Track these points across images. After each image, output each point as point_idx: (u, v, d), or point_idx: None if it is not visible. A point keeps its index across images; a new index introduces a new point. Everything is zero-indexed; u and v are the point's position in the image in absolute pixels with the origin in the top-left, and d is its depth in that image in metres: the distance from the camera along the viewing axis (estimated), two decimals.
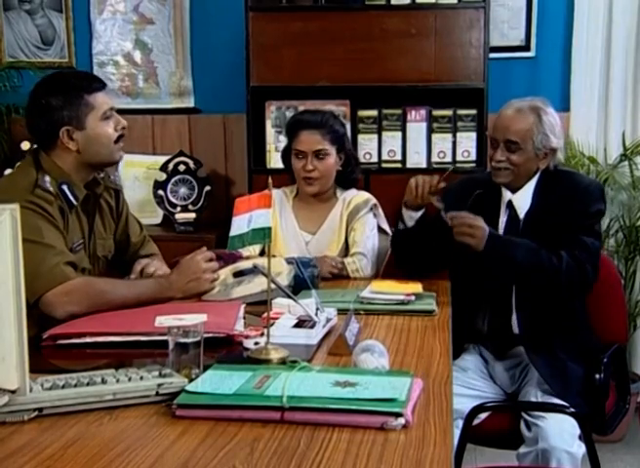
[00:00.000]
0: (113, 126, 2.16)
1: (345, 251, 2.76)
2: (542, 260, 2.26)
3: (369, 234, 2.75)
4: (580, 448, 2.13)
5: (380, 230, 2.81)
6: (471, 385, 2.39)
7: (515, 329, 2.39)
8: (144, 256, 2.43)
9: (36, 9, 4.00)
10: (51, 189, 2.09)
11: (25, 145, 3.73)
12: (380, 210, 2.83)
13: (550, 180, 2.38)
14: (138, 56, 4.00)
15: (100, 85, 2.16)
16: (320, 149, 2.72)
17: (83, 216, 2.22)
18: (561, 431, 2.11)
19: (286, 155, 2.84)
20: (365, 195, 2.84)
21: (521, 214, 2.42)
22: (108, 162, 2.22)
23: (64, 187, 2.12)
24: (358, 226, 2.75)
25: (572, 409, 2.13)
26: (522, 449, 2.18)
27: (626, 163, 3.58)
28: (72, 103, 2.10)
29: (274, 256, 2.43)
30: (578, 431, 2.14)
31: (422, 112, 3.46)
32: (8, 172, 3.68)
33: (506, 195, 2.44)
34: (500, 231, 2.43)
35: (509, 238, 2.35)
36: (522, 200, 2.41)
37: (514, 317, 2.39)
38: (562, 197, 2.33)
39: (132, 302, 2.05)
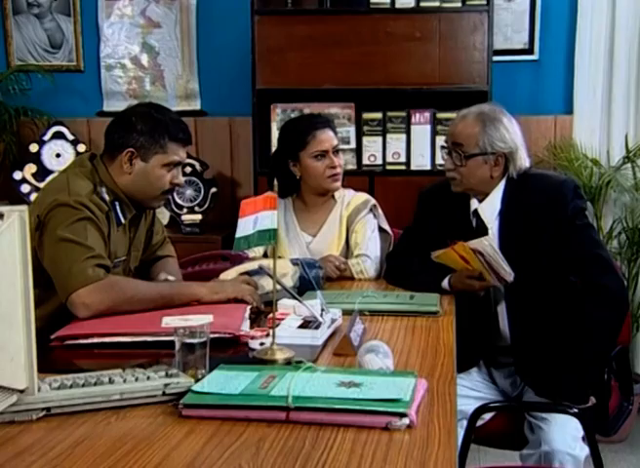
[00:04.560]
0: (170, 177, 2.19)
1: (346, 252, 2.76)
2: (605, 331, 2.26)
3: (370, 235, 2.75)
4: (582, 451, 2.13)
5: (381, 230, 2.81)
6: (475, 387, 2.39)
7: (507, 340, 2.37)
8: (161, 258, 2.44)
9: (45, 13, 4.02)
10: (107, 199, 2.14)
11: (33, 146, 3.76)
12: (380, 210, 2.83)
13: (518, 186, 2.35)
14: (145, 59, 4.02)
15: (185, 139, 2.21)
16: (337, 145, 2.75)
17: (128, 233, 2.25)
18: (564, 434, 2.12)
19: (284, 162, 2.76)
20: (364, 196, 2.84)
21: (489, 222, 2.38)
22: (147, 204, 2.26)
23: (116, 204, 2.17)
24: (359, 228, 2.75)
25: (575, 410, 2.13)
26: (525, 451, 2.18)
27: (629, 165, 3.59)
28: (152, 137, 2.15)
29: (280, 258, 2.44)
30: (580, 433, 2.14)
31: (427, 115, 3.46)
32: (17, 174, 3.72)
33: (473, 204, 2.42)
34: (473, 238, 2.35)
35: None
36: (488, 208, 2.38)
37: (505, 329, 2.37)
38: (533, 200, 2.30)
39: (153, 298, 2.03)
